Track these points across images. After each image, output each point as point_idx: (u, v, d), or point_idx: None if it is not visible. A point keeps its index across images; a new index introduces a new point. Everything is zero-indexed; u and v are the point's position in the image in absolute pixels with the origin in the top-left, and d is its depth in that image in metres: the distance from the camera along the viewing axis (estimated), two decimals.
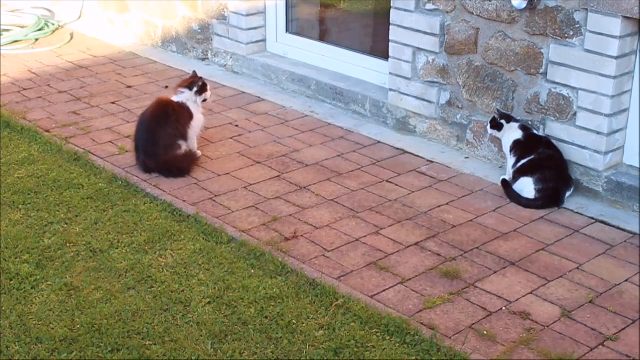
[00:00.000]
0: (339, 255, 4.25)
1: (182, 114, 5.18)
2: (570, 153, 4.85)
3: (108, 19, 7.92)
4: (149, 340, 3.56)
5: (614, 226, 4.55)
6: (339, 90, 6.11)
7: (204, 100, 5.37)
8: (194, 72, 5.48)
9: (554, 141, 4.87)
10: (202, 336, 3.59)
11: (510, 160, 4.92)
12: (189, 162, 5.19)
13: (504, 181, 4.90)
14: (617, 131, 4.74)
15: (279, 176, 5.10)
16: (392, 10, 5.57)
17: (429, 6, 5.33)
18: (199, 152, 5.33)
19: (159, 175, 5.06)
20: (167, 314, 3.74)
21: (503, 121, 4.94)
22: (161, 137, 5.07)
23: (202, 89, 5.30)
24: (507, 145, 4.95)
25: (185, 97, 5.25)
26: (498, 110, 5.04)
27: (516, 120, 4.96)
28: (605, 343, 3.61)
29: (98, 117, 5.98)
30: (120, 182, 4.92)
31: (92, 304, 3.79)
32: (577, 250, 4.32)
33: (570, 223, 4.58)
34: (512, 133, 4.92)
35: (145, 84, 6.63)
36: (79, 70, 6.94)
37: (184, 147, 5.18)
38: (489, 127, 5.02)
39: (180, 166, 5.11)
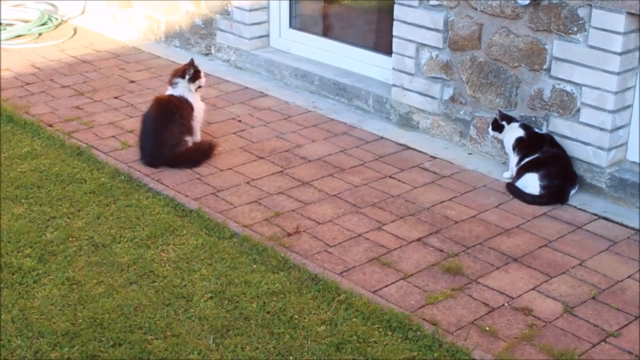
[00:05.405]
0: (341, 250, 4.25)
1: (184, 108, 5.18)
2: (574, 149, 4.84)
3: (111, 14, 7.91)
4: (151, 335, 3.56)
5: (616, 222, 4.54)
6: (342, 85, 6.11)
7: (199, 87, 5.34)
8: (191, 59, 5.40)
9: (557, 137, 4.86)
10: (203, 331, 3.59)
11: (514, 158, 4.91)
12: (201, 154, 5.20)
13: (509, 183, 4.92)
14: (620, 127, 4.73)
15: (281, 171, 5.10)
16: (395, 6, 5.56)
17: (433, 2, 5.32)
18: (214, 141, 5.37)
19: (162, 169, 5.06)
20: (169, 308, 3.74)
21: (504, 122, 4.94)
22: (167, 137, 5.07)
23: (195, 76, 5.27)
24: (509, 144, 4.94)
25: (181, 87, 5.23)
26: (499, 111, 5.03)
27: (516, 121, 4.96)
28: (607, 339, 3.60)
29: (101, 111, 5.98)
30: (123, 177, 4.92)
31: (94, 298, 3.79)
32: (579, 246, 4.32)
33: (573, 219, 4.58)
34: (513, 132, 4.91)
35: (149, 79, 6.62)
36: (82, 65, 6.95)
37: (190, 142, 5.20)
38: (490, 128, 5.02)
39: (191, 158, 5.12)
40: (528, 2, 4.79)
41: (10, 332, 3.55)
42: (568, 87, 4.79)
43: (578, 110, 4.78)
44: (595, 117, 4.71)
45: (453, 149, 5.42)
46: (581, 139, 4.81)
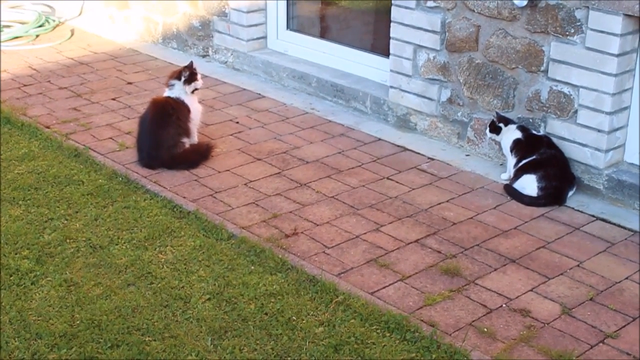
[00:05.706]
0: (339, 252, 4.25)
1: (180, 110, 5.18)
2: (571, 151, 4.84)
3: (109, 15, 7.91)
4: (149, 336, 3.56)
5: (614, 224, 4.54)
6: (339, 87, 6.11)
7: (195, 89, 5.32)
8: (190, 61, 5.39)
9: (554, 139, 4.87)
10: (201, 332, 3.58)
11: (512, 160, 4.91)
12: (199, 155, 5.19)
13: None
14: (617, 129, 4.74)
15: (279, 173, 5.10)
16: (393, 8, 5.57)
17: (430, 3, 5.33)
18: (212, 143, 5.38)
19: (159, 171, 5.06)
20: (167, 310, 3.73)
21: (501, 124, 4.94)
22: (164, 139, 5.07)
23: (190, 78, 5.26)
24: (506, 145, 4.94)
25: (177, 89, 5.23)
26: (497, 113, 5.03)
27: (514, 123, 4.96)
28: (605, 340, 3.60)
29: (98, 113, 5.97)
30: (121, 179, 4.92)
31: (92, 299, 3.79)
32: (577, 247, 4.32)
33: (571, 221, 4.58)
34: (510, 134, 4.92)
35: (146, 81, 6.62)
36: (80, 67, 6.94)
37: (187, 144, 5.19)
38: (487, 130, 5.03)
39: (188, 160, 5.12)
40: (525, 3, 4.80)
41: (8, 334, 3.55)
42: (565, 89, 4.80)
43: (575, 111, 4.79)
44: (592, 118, 4.72)
45: (451, 151, 5.43)
46: (579, 140, 4.81)
